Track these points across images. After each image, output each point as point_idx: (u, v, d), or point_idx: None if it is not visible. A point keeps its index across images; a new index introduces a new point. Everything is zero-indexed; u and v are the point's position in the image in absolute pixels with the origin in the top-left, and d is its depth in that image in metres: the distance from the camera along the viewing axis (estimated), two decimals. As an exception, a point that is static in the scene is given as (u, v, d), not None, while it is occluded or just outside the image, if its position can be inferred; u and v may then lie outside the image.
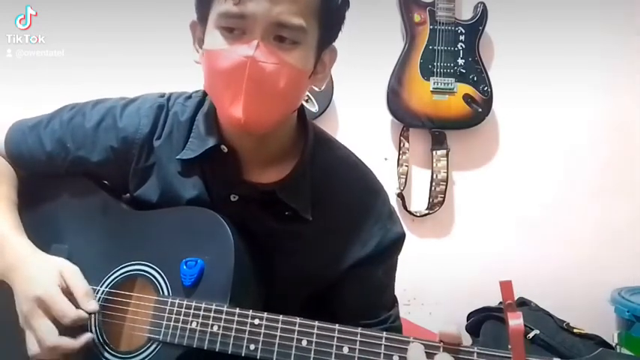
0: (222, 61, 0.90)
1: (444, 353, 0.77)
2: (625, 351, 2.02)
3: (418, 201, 2.43)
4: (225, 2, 0.88)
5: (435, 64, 2.30)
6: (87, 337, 0.95)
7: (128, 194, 1.09)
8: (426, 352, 0.78)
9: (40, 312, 0.94)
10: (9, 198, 1.09)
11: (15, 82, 2.13)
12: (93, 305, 0.96)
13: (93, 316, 0.99)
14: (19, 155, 1.12)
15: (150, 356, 0.93)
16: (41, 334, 0.93)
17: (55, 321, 0.94)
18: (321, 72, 0.99)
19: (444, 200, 2.39)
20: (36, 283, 0.95)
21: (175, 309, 0.93)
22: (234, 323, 0.88)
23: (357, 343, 0.81)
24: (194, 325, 0.90)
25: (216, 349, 0.89)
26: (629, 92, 2.50)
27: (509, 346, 0.71)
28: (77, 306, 0.95)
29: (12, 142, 1.12)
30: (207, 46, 0.93)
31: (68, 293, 0.96)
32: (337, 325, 0.83)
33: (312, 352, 0.83)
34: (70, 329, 0.94)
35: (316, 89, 1.02)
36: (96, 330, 0.99)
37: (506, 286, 0.71)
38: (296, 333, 0.85)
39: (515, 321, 0.70)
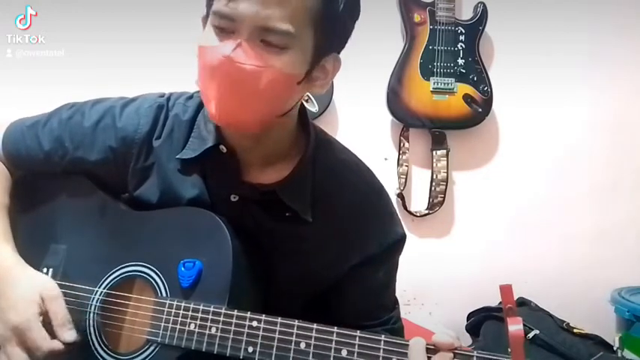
0: (205, 57, 0.91)
1: (444, 352, 0.77)
2: (627, 353, 2.02)
3: (418, 201, 2.43)
4: (219, 1, 0.89)
5: (435, 64, 2.29)
6: None
7: (127, 194, 1.08)
8: (427, 347, 0.78)
9: (15, 339, 0.94)
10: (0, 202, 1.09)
11: (15, 82, 2.12)
12: (69, 336, 0.96)
13: (91, 316, 0.99)
14: (17, 154, 1.11)
15: (148, 358, 0.94)
16: None
17: (29, 350, 0.94)
18: (322, 78, 0.98)
19: (444, 200, 2.38)
20: (15, 311, 0.95)
21: (174, 310, 0.93)
22: (233, 325, 0.88)
23: (356, 346, 0.81)
24: (192, 327, 0.90)
25: (215, 352, 0.89)
26: (630, 92, 2.49)
27: (509, 350, 0.71)
28: (54, 335, 0.95)
29: (10, 141, 1.12)
30: (199, 41, 0.94)
31: (48, 319, 0.96)
32: (336, 327, 0.83)
33: (311, 355, 0.83)
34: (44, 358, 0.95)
35: (314, 94, 1.02)
36: (94, 331, 0.99)
37: (506, 290, 0.71)
38: (294, 335, 0.85)
39: (515, 326, 0.70)
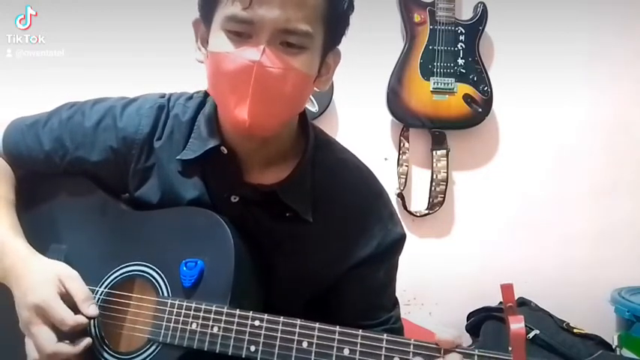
0: (227, 64, 0.90)
1: (454, 353, 0.77)
2: (625, 352, 2.02)
3: (418, 201, 2.43)
4: (232, 5, 0.88)
5: (435, 64, 2.29)
6: (86, 341, 0.95)
7: (127, 194, 1.08)
8: (427, 354, 0.78)
9: (39, 319, 0.94)
10: (6, 198, 1.09)
11: (15, 82, 2.12)
12: (93, 310, 0.96)
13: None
14: (17, 154, 1.11)
15: (150, 357, 0.94)
16: (40, 341, 0.93)
17: (54, 327, 0.94)
18: (325, 74, 1.00)
19: (444, 200, 2.38)
20: (34, 291, 0.95)
21: (175, 310, 0.93)
22: (235, 324, 0.88)
23: (358, 344, 0.82)
24: (194, 326, 0.90)
25: (217, 351, 0.89)
26: (630, 92, 2.50)
27: (510, 348, 0.71)
28: (77, 311, 0.95)
29: (10, 141, 1.12)
30: (213, 48, 0.93)
31: (68, 298, 0.96)
32: (338, 326, 0.84)
33: (313, 354, 0.83)
34: (70, 334, 0.94)
35: (317, 90, 1.02)
36: (95, 330, 0.99)
37: (507, 289, 0.71)
38: (296, 335, 0.85)
39: (517, 325, 0.70)
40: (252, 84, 0.88)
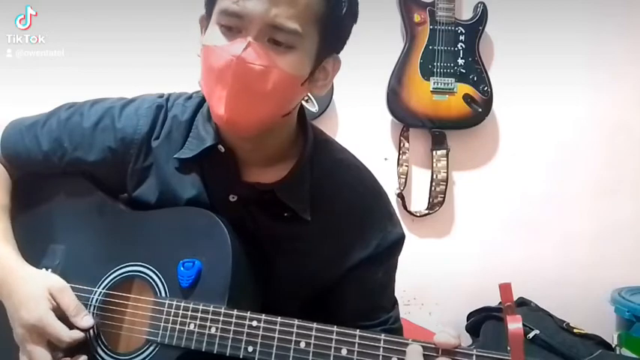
0: (213, 57, 0.90)
1: (443, 357, 0.77)
2: (625, 351, 2.02)
3: (418, 201, 2.43)
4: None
5: (435, 64, 2.30)
6: (82, 359, 0.95)
7: (126, 194, 1.08)
8: (424, 354, 0.78)
9: (34, 337, 0.94)
10: (0, 203, 1.09)
11: (15, 82, 2.13)
12: (86, 321, 0.97)
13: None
14: (16, 155, 1.11)
15: (148, 358, 0.93)
16: (36, 358, 0.94)
17: (50, 344, 0.94)
18: (322, 79, 0.99)
19: (444, 200, 2.39)
20: (28, 309, 0.95)
21: (173, 310, 0.93)
22: (232, 325, 0.88)
23: (356, 344, 0.81)
24: (192, 326, 0.90)
25: (215, 351, 0.88)
26: (630, 92, 2.50)
27: (508, 348, 0.71)
28: (71, 325, 0.96)
29: (9, 142, 1.12)
30: (205, 41, 0.93)
31: (60, 312, 0.96)
32: (336, 326, 0.83)
33: (311, 354, 0.83)
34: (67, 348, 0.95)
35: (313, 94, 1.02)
36: (93, 331, 0.99)
37: (505, 289, 0.71)
38: (294, 335, 0.85)
39: (515, 324, 0.70)
40: (230, 79, 0.88)
